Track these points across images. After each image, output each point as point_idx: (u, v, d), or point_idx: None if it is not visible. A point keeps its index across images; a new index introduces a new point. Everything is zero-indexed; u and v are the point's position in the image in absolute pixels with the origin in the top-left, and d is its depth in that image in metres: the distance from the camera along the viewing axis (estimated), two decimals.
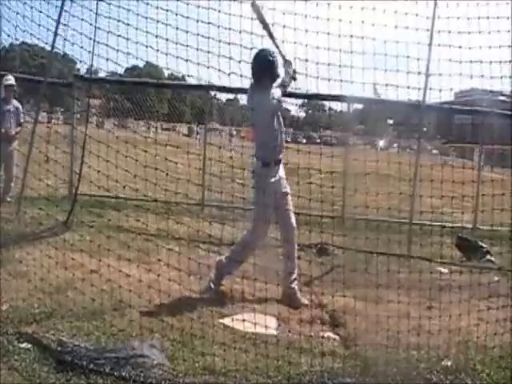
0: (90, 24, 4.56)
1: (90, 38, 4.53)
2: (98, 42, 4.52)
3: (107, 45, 4.33)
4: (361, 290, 4.57)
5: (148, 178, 4.42)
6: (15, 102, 8.54)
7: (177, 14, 4.21)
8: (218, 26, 4.16)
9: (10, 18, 5.57)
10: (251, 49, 4.30)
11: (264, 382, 3.18)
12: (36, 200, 6.78)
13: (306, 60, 4.23)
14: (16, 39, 6.26)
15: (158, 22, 4.23)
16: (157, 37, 4.16)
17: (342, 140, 10.54)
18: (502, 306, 4.13)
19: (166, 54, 4.09)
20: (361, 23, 4.41)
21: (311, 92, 6.82)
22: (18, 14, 5.47)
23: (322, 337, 3.99)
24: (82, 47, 4.60)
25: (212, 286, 4.76)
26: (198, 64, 4.00)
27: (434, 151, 32.92)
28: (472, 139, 27.18)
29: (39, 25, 5.22)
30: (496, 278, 5.60)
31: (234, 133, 25.11)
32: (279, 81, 4.84)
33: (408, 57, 4.42)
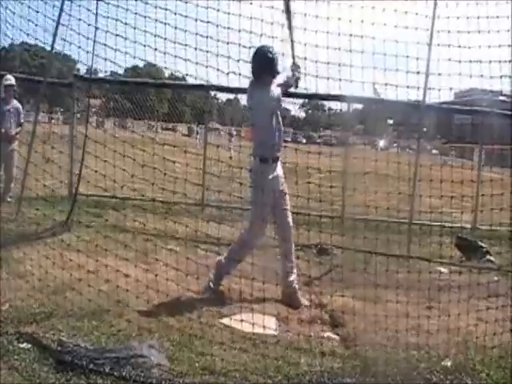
0: (89, 24, 4.56)
1: (88, 38, 4.52)
2: (98, 43, 4.52)
3: (105, 44, 4.33)
4: (360, 289, 4.57)
5: (148, 179, 4.42)
6: (15, 102, 8.53)
7: (175, 14, 4.21)
8: (217, 26, 4.16)
9: (10, 19, 5.57)
10: (250, 48, 4.30)
11: (264, 382, 3.18)
12: (36, 200, 6.78)
13: (305, 59, 4.24)
14: (16, 39, 6.28)
15: (156, 21, 4.23)
16: (155, 36, 4.16)
17: (341, 140, 10.55)
18: (502, 305, 4.13)
19: (165, 54, 4.09)
20: (360, 22, 4.42)
21: (311, 91, 6.81)
22: (18, 15, 5.47)
23: (322, 337, 3.99)
24: (79, 47, 4.60)
25: (211, 285, 4.76)
26: (197, 63, 4.00)
27: (434, 151, 32.93)
28: (472, 139, 27.18)
29: (36, 25, 5.22)
30: (496, 278, 5.60)
31: (234, 133, 25.10)
32: (283, 77, 4.80)
33: (407, 56, 4.42)
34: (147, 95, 19.11)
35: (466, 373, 3.40)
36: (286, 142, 4.94)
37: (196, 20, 4.16)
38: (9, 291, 4.14)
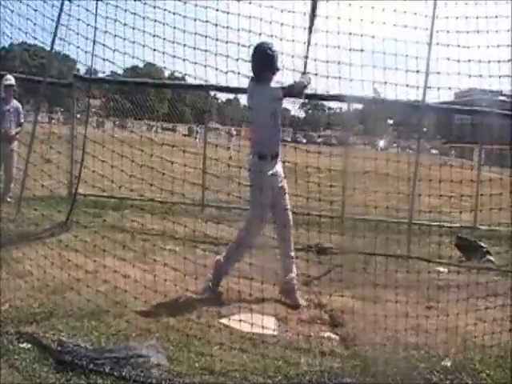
0: (88, 24, 4.56)
1: (87, 38, 4.53)
2: (98, 43, 4.52)
3: (104, 44, 4.33)
4: (360, 289, 4.58)
5: (149, 179, 4.42)
6: (15, 102, 8.53)
7: (174, 14, 4.20)
8: (216, 25, 4.16)
9: (10, 19, 5.58)
10: (249, 47, 4.29)
11: (263, 382, 3.18)
12: (36, 200, 6.78)
13: (305, 57, 4.23)
14: (16, 39, 6.28)
15: (155, 21, 4.23)
16: (154, 36, 4.16)
17: (341, 140, 10.55)
18: (502, 305, 4.14)
19: (163, 53, 4.09)
20: (359, 21, 4.42)
21: (311, 91, 6.81)
22: (18, 15, 5.48)
23: (322, 337, 3.99)
24: (78, 47, 4.61)
25: (210, 286, 4.76)
26: (195, 63, 4.00)
27: (434, 151, 32.92)
28: (472, 139, 27.18)
29: (35, 23, 5.21)
30: (496, 278, 5.60)
31: (234, 132, 25.10)
32: (290, 85, 4.77)
33: (407, 55, 4.42)
34: (147, 95, 19.11)
35: (466, 373, 3.40)
36: (285, 141, 4.93)
37: (195, 20, 4.16)
38: (9, 291, 4.14)
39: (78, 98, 9.97)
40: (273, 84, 4.70)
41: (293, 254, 4.88)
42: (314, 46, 4.37)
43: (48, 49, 7.01)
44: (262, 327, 3.82)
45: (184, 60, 4.00)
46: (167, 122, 28.16)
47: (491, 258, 6.55)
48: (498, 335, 3.79)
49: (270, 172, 4.69)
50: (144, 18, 4.28)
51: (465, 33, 4.48)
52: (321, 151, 5.01)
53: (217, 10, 4.31)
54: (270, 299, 4.61)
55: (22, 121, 8.52)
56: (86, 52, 4.56)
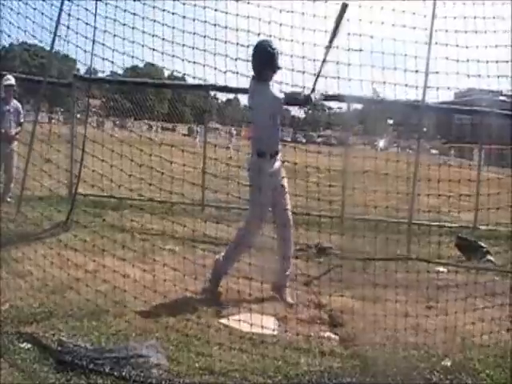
0: (87, 24, 4.56)
1: (87, 38, 4.53)
2: (97, 42, 4.52)
3: (104, 44, 4.33)
4: (360, 289, 4.58)
5: (149, 179, 4.43)
6: (15, 102, 8.53)
7: (173, 14, 4.21)
8: (215, 25, 4.15)
9: (10, 18, 5.57)
10: (247, 47, 4.29)
11: (263, 382, 3.18)
12: (36, 200, 6.79)
13: (303, 57, 4.23)
14: (16, 39, 6.28)
15: (154, 21, 4.23)
16: (153, 36, 4.16)
17: (341, 140, 10.55)
18: (502, 305, 4.14)
19: (162, 53, 4.09)
20: (358, 21, 4.42)
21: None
22: (16, 13, 5.47)
23: (321, 337, 3.99)
24: (77, 46, 4.61)
25: (210, 286, 4.75)
26: (194, 62, 4.00)
27: (434, 151, 32.94)
28: (471, 139, 27.20)
29: (33, 22, 5.21)
30: (496, 278, 5.60)
31: (234, 132, 25.11)
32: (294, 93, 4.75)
33: (405, 55, 4.42)
34: (147, 95, 19.12)
35: (466, 373, 3.40)
36: (285, 141, 4.92)
37: (194, 20, 4.16)
38: (9, 291, 4.14)
39: (77, 98, 9.97)
40: (274, 86, 4.69)
41: (291, 254, 4.87)
42: (313, 46, 4.36)
43: (48, 49, 7.01)
44: (262, 327, 3.82)
45: (183, 60, 4.01)
46: (167, 122, 28.18)
47: (491, 258, 6.55)
48: (498, 335, 3.79)
49: (270, 170, 4.67)
50: (143, 18, 4.28)
51: (463, 32, 4.49)
52: (320, 151, 5.02)
53: (215, 10, 4.31)
54: (270, 299, 4.61)
55: (22, 121, 8.52)
56: (86, 51, 4.57)
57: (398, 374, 3.30)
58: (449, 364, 3.51)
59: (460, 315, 3.82)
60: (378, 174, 5.61)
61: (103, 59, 4.31)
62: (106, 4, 4.60)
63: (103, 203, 8.34)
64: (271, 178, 4.68)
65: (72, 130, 8.92)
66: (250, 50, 4.51)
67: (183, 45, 4.06)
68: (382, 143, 33.99)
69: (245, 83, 4.80)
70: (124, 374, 3.09)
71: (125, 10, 4.41)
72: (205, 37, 4.09)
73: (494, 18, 4.35)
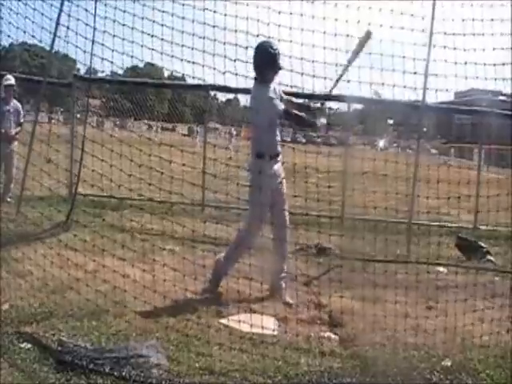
0: (86, 24, 4.56)
1: (87, 38, 4.53)
2: (97, 43, 4.53)
3: (103, 44, 4.34)
4: (360, 290, 4.57)
5: (149, 179, 4.42)
6: (15, 102, 8.54)
7: (173, 15, 4.21)
8: (214, 26, 4.15)
9: (10, 19, 5.57)
10: (246, 48, 4.29)
11: (263, 382, 3.18)
12: (36, 200, 6.78)
13: (302, 59, 4.23)
14: (16, 39, 6.27)
15: (153, 21, 4.23)
16: (152, 36, 4.16)
17: (341, 140, 10.55)
18: (502, 305, 4.14)
19: (162, 54, 4.09)
20: (357, 23, 4.42)
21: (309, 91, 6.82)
22: (15, 13, 5.47)
23: (322, 337, 3.99)
24: (77, 46, 4.61)
25: (211, 286, 4.76)
26: (193, 63, 4.00)
27: (434, 151, 32.95)
28: (472, 139, 27.22)
29: (33, 22, 5.21)
30: (496, 278, 5.60)
31: (234, 133, 25.11)
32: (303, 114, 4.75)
33: (404, 57, 4.42)
34: (147, 95, 19.11)
35: (466, 373, 3.40)
36: (285, 142, 4.93)
37: (193, 21, 4.16)
38: (9, 291, 4.14)
39: (77, 98, 9.97)
40: (276, 91, 4.68)
41: (287, 254, 4.88)
42: (312, 48, 4.36)
43: (48, 49, 7.01)
44: (262, 327, 3.82)
45: (182, 60, 4.01)
46: (167, 122, 28.18)
47: (491, 258, 6.55)
48: (498, 335, 3.79)
49: (269, 172, 4.67)
50: (142, 18, 4.28)
51: (461, 35, 4.49)
52: (320, 151, 5.02)
53: (214, 12, 4.31)
54: (270, 299, 4.61)
55: (22, 121, 8.52)
56: (85, 52, 4.57)
57: (398, 374, 3.29)
58: (449, 364, 3.50)
59: (460, 315, 3.82)
60: (377, 174, 5.61)
61: (102, 59, 4.32)
62: (106, 5, 4.61)
63: (103, 203, 8.33)
64: (270, 179, 4.68)
65: (72, 130, 8.92)
66: (249, 51, 4.51)
67: (182, 45, 4.07)
68: (381, 143, 34.01)
69: (244, 84, 4.81)
70: (124, 373, 3.09)
71: (124, 11, 4.41)
72: (204, 38, 4.10)
73: (492, 20, 4.35)
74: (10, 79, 8.32)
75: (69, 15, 5.26)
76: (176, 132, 29.76)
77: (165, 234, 6.26)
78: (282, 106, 4.69)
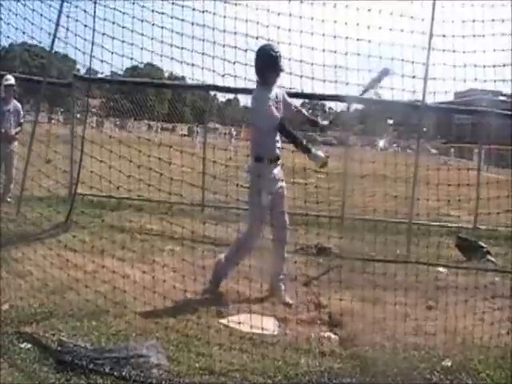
0: (86, 26, 4.56)
1: (86, 40, 4.54)
2: (96, 44, 4.53)
3: (103, 46, 4.34)
4: (360, 290, 4.57)
5: (149, 179, 4.42)
6: (15, 102, 8.54)
7: (172, 17, 4.21)
8: (213, 28, 4.16)
9: (9, 20, 5.57)
10: (245, 50, 4.29)
11: (263, 382, 3.18)
12: (36, 201, 6.78)
13: (301, 61, 4.24)
14: (16, 40, 6.28)
15: (153, 24, 4.23)
16: (152, 39, 4.17)
17: (341, 140, 10.54)
18: (502, 306, 4.14)
19: (161, 56, 4.10)
20: (356, 25, 4.42)
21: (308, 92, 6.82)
22: (14, 13, 5.48)
23: (321, 337, 3.99)
24: (76, 47, 4.62)
25: (211, 286, 4.75)
26: (193, 65, 4.01)
27: (434, 151, 32.94)
28: (472, 139, 27.22)
29: (32, 23, 5.22)
30: (496, 279, 5.60)
31: (234, 133, 25.12)
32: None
33: (402, 60, 4.42)
34: (147, 95, 19.11)
35: (466, 373, 3.40)
36: (285, 142, 4.91)
37: (192, 24, 4.17)
38: (9, 291, 4.14)
39: (77, 98, 9.97)
40: (274, 95, 4.69)
41: (285, 255, 4.88)
42: (311, 50, 4.36)
43: (48, 49, 7.01)
44: (262, 328, 3.82)
45: (181, 62, 4.01)
46: (167, 123, 28.16)
47: (491, 258, 6.55)
48: (499, 335, 3.79)
49: (268, 176, 4.65)
50: (142, 20, 4.28)
51: (461, 37, 4.50)
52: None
53: (214, 14, 4.31)
54: (270, 300, 4.61)
55: (22, 121, 8.52)
56: (85, 53, 4.57)
57: (398, 375, 3.29)
58: (449, 364, 3.50)
59: (460, 316, 3.82)
60: (377, 174, 5.62)
61: (102, 61, 4.32)
62: (105, 6, 4.61)
63: (103, 204, 8.34)
64: (270, 183, 4.67)
65: (72, 130, 8.91)
66: (249, 54, 4.50)
67: (182, 47, 4.07)
68: (382, 143, 34.02)
69: (243, 86, 4.80)
70: (124, 373, 3.09)
71: (123, 13, 4.42)
72: (203, 40, 4.10)
73: (493, 20, 4.35)
74: (10, 79, 8.32)
75: (68, 16, 5.26)
76: (176, 132, 29.73)
77: (164, 235, 6.26)
78: (277, 120, 4.64)
